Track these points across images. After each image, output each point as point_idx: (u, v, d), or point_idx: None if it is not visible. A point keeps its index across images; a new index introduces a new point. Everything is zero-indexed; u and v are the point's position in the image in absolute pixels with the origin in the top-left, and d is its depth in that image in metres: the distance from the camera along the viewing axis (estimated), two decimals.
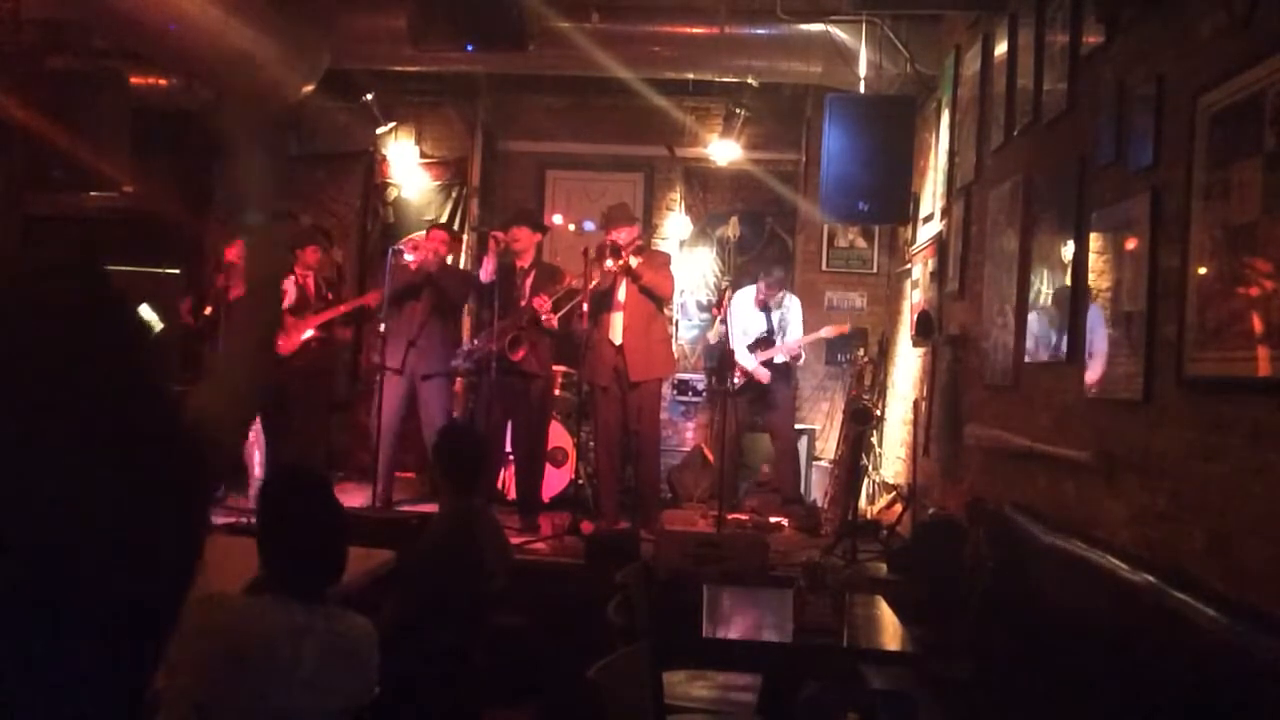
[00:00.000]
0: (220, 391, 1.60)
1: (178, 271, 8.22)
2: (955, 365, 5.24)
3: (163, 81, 7.06)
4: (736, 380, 6.36)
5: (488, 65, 7.17)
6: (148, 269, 8.47)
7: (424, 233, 6.41)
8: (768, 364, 6.46)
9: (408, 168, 8.21)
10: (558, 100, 8.26)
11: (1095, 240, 3.46)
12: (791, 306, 6.68)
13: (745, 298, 6.62)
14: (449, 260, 6.57)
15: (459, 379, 6.91)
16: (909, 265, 6.69)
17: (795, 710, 2.89)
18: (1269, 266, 2.37)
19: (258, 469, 6.08)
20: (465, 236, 8.08)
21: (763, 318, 6.56)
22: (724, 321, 6.16)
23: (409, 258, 6.16)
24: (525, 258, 6.08)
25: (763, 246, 7.98)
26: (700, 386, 8.04)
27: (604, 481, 6.07)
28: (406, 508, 5.95)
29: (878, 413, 6.85)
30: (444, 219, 8.06)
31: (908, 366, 6.57)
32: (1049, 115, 4.00)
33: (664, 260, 6.14)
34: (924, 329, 5.54)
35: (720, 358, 6.53)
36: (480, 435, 4.44)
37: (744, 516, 6.39)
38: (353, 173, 8.29)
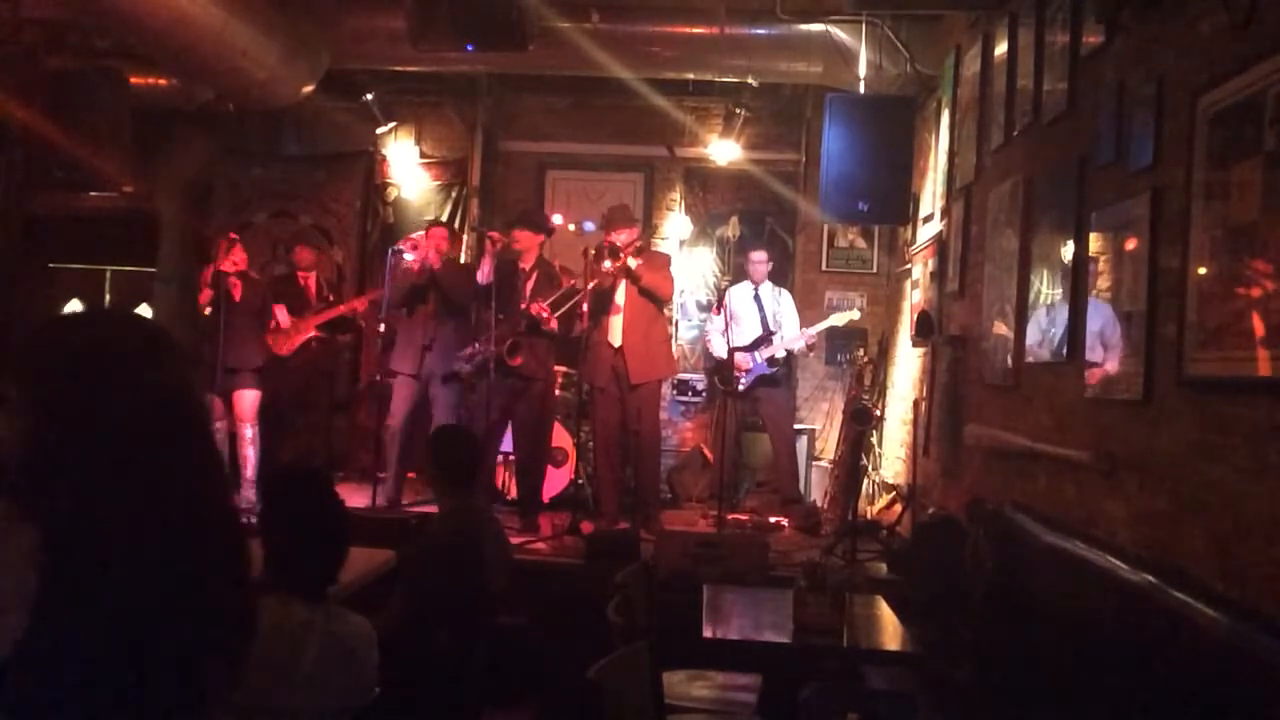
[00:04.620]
0: None
1: None
2: (955, 365, 5.24)
3: (163, 81, 7.07)
4: (743, 382, 6.36)
5: (488, 65, 7.17)
6: (148, 269, 8.49)
7: (423, 231, 6.40)
8: (772, 360, 6.46)
9: (408, 168, 8.21)
10: (558, 100, 8.26)
11: (1095, 240, 3.46)
12: (784, 301, 6.69)
13: (739, 293, 6.62)
14: (451, 257, 6.57)
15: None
16: (909, 265, 6.69)
17: (795, 710, 2.89)
18: (1269, 267, 2.37)
19: (249, 470, 6.08)
20: (465, 236, 8.08)
21: (758, 315, 6.55)
22: (722, 319, 6.14)
23: (409, 258, 6.15)
24: (527, 259, 6.08)
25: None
26: (700, 386, 8.03)
27: (604, 481, 6.07)
28: (407, 508, 5.95)
29: (878, 413, 6.84)
30: (444, 219, 8.06)
31: (908, 366, 6.56)
32: (1049, 115, 4.00)
33: (664, 261, 6.14)
34: (924, 329, 5.54)
35: (721, 359, 6.52)
36: (473, 435, 4.43)
37: (744, 516, 6.39)
38: (353, 173, 8.29)
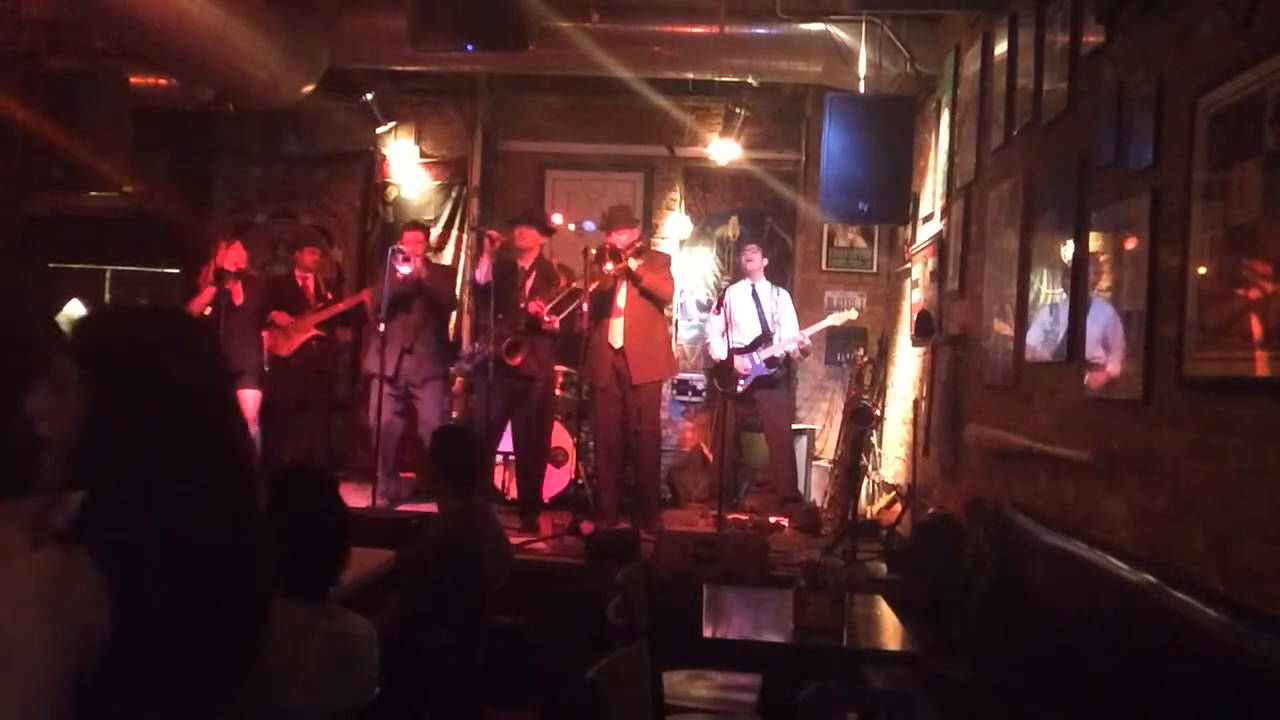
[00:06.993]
0: None
1: (177, 271, 8.23)
2: (955, 365, 5.24)
3: (163, 81, 7.07)
4: (742, 384, 6.36)
5: (488, 65, 7.17)
6: (148, 269, 8.50)
7: (400, 237, 6.37)
8: (771, 361, 6.45)
9: (408, 167, 8.21)
10: (558, 100, 8.26)
11: (1095, 240, 3.46)
12: (782, 301, 6.69)
13: (738, 292, 6.62)
14: (433, 261, 6.56)
15: (459, 380, 6.92)
16: (909, 265, 6.69)
17: (795, 710, 2.89)
18: (1269, 267, 2.37)
19: None
20: (465, 236, 8.08)
21: (756, 314, 6.54)
22: (721, 319, 6.13)
23: (404, 270, 6.11)
24: (527, 258, 6.08)
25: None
26: (700, 386, 8.03)
27: (604, 481, 6.07)
28: (407, 507, 5.95)
29: (877, 413, 6.84)
30: (444, 219, 8.07)
31: (908, 366, 6.57)
32: (1049, 115, 4.00)
33: (664, 261, 6.14)
34: (924, 329, 5.54)
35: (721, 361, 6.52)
36: (475, 436, 4.43)
37: (744, 516, 6.39)
38: (353, 173, 8.29)
